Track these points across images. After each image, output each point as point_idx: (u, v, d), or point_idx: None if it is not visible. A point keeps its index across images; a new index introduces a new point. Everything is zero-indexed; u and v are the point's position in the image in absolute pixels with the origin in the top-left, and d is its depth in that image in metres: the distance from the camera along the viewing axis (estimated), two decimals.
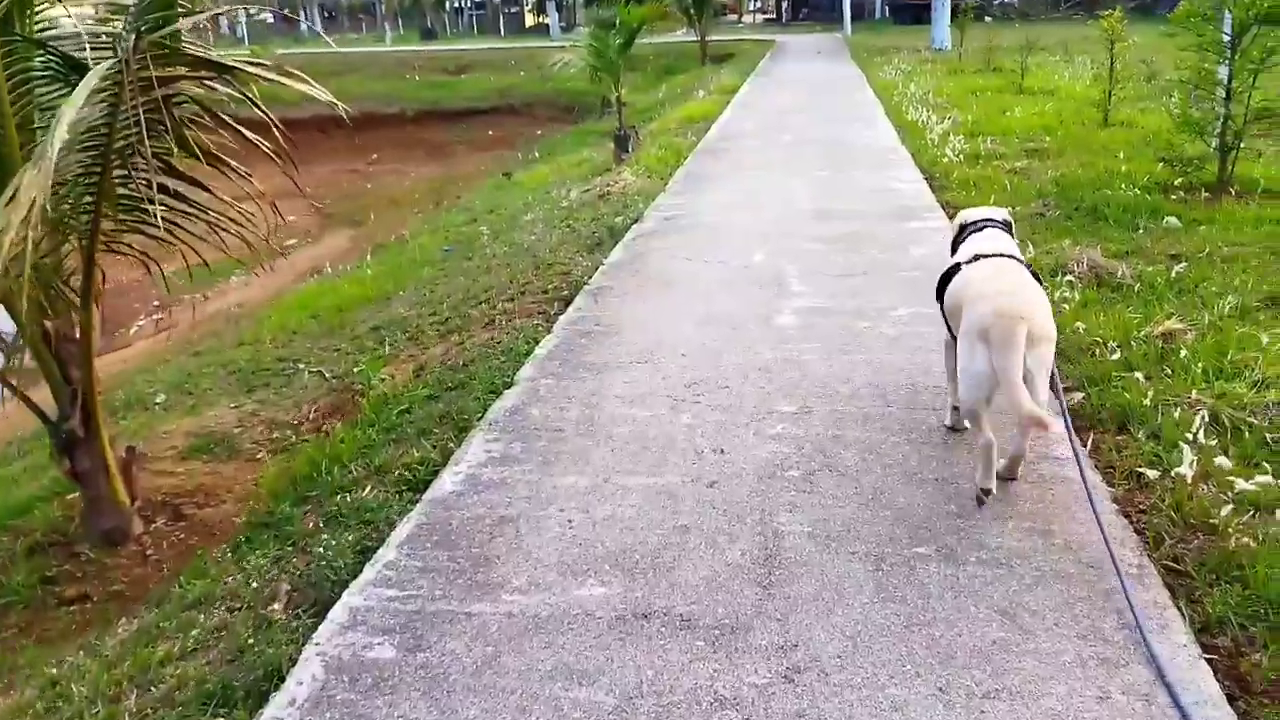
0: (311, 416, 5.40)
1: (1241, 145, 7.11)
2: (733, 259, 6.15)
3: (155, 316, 12.26)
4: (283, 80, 3.98)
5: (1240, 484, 2.95)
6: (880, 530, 2.95)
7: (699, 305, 5.24)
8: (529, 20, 49.42)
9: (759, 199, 7.93)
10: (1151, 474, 3.22)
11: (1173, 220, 6.60)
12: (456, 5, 51.39)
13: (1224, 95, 7.09)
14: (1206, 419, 3.44)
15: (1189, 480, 3.05)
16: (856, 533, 2.94)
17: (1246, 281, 5.04)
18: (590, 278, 5.95)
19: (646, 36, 31.79)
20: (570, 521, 3.06)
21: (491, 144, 27.26)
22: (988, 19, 28.56)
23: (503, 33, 45.24)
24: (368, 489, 3.54)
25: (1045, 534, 2.89)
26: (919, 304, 4.87)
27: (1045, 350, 2.96)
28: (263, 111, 4.13)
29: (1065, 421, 3.20)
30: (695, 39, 29.28)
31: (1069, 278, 5.36)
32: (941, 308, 3.50)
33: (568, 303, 5.52)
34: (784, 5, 53.50)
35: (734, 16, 64.30)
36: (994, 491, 3.06)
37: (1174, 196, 7.21)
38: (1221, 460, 3.07)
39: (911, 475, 3.27)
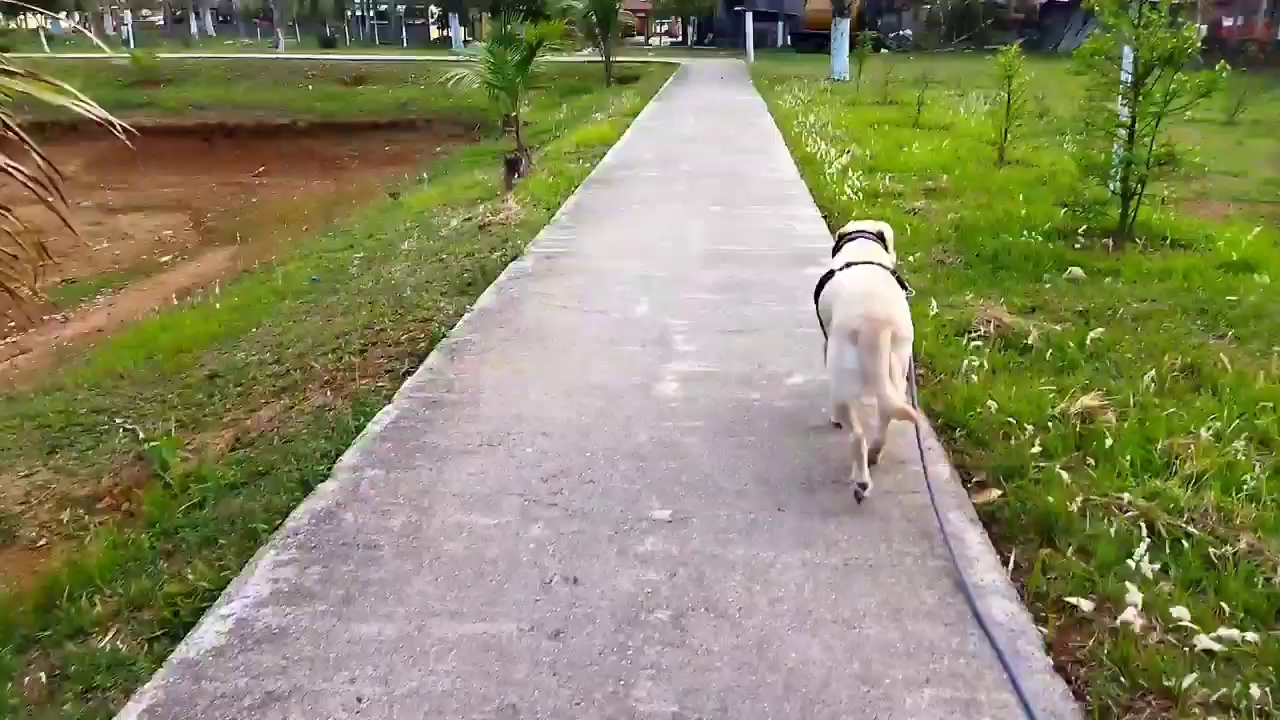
0: (114, 492, 4.48)
1: (1144, 191, 6.81)
2: (615, 308, 5.46)
3: (11, 339, 10.87)
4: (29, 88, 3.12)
5: (1201, 639, 2.38)
6: (766, 706, 2.27)
7: (571, 368, 4.51)
8: (434, 33, 48.13)
9: (649, 237, 7.28)
10: (1086, 605, 2.65)
11: (1077, 271, 6.23)
12: (358, 14, 49.68)
13: (1126, 137, 6.79)
14: (1145, 537, 2.90)
15: (1136, 629, 2.48)
16: (736, 711, 2.25)
17: (1161, 347, 4.62)
18: (452, 328, 5.17)
19: (551, 55, 31.07)
20: (360, 700, 2.28)
21: (388, 160, 26.09)
22: (884, 50, 28.93)
23: (405, 44, 43.86)
24: (112, 633, 2.68)
25: (968, 706, 2.27)
26: (815, 365, 4.27)
27: (905, 350, 3.31)
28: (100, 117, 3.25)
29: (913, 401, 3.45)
30: (601, 59, 28.71)
31: (975, 341, 4.85)
32: (817, 310, 3.87)
33: (421, 359, 4.73)
34: (690, 29, 53.66)
35: (641, 38, 64.29)
36: (870, 485, 3.17)
37: (1076, 244, 6.87)
38: (1178, 611, 2.49)
39: (805, 616, 2.60)
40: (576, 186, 9.51)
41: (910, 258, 6.54)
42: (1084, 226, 7.20)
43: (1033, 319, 5.24)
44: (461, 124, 26.79)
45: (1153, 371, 4.24)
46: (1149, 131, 6.69)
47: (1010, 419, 3.85)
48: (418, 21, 48.61)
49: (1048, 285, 5.99)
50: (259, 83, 31.26)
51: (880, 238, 3.93)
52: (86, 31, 45.10)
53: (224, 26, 50.97)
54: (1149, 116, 6.67)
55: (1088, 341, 4.68)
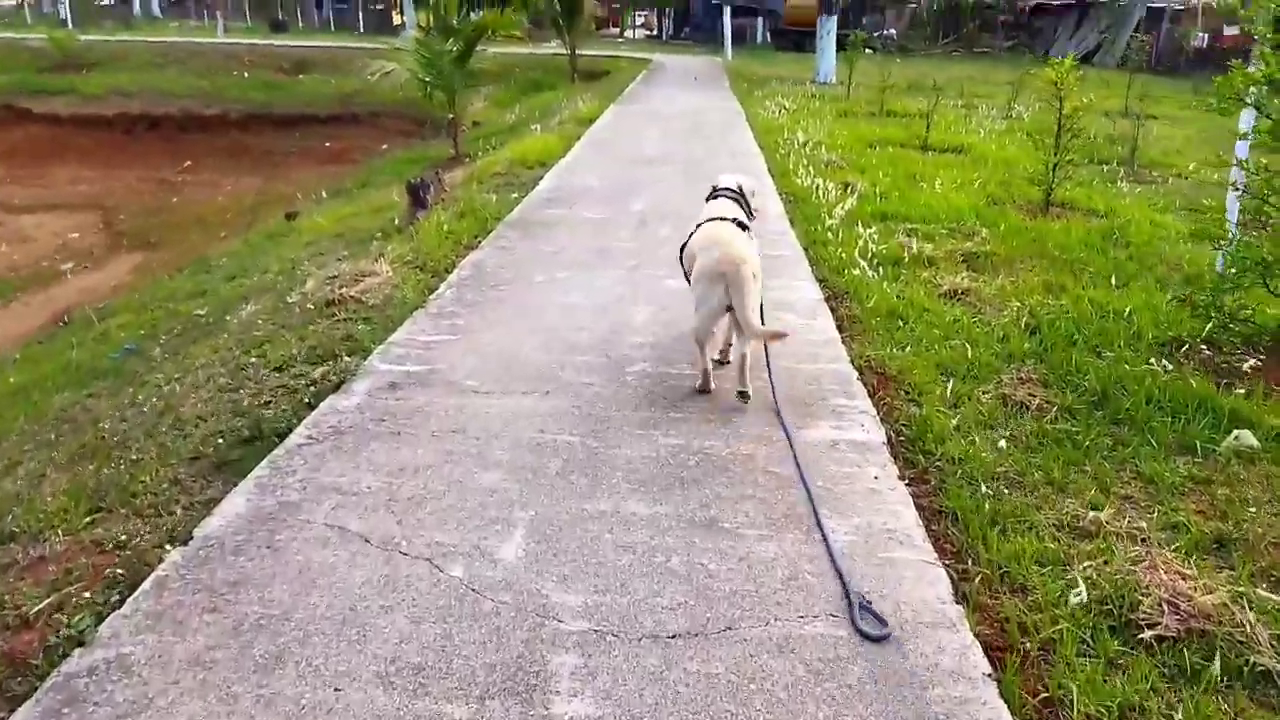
0: None
1: None
2: (462, 545, 2.88)
3: None
4: None
5: None
6: None
7: None
8: (397, 19, 44.90)
9: (562, 342, 4.69)
10: None
11: (1247, 436, 3.75)
12: None
13: None
14: None
15: None
16: None
17: None
18: (145, 581, 2.59)
19: (513, 47, 28.45)
20: None
21: (328, 157, 23.32)
22: (869, 51, 26.46)
23: (363, 29, 40.71)
24: None
25: None
26: None
27: (759, 285, 3.93)
28: None
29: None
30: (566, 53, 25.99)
31: (1157, 661, 2.35)
32: (682, 262, 4.38)
33: (101, 618, 2.17)
34: (666, 22, 50.91)
35: (615, 30, 61.69)
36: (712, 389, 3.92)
37: (1216, 365, 4.41)
38: None
39: None
40: (487, 233, 6.88)
41: (972, 397, 4.03)
42: (1219, 333, 4.75)
43: (1236, 578, 2.77)
44: (411, 119, 23.97)
45: None
46: None
47: None
48: (378, 5, 45.37)
49: (1208, 464, 3.53)
50: (189, 69, 28.22)
51: (740, 192, 4.67)
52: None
53: (175, 9, 47.37)
54: None
55: None
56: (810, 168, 9.32)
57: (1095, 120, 7.88)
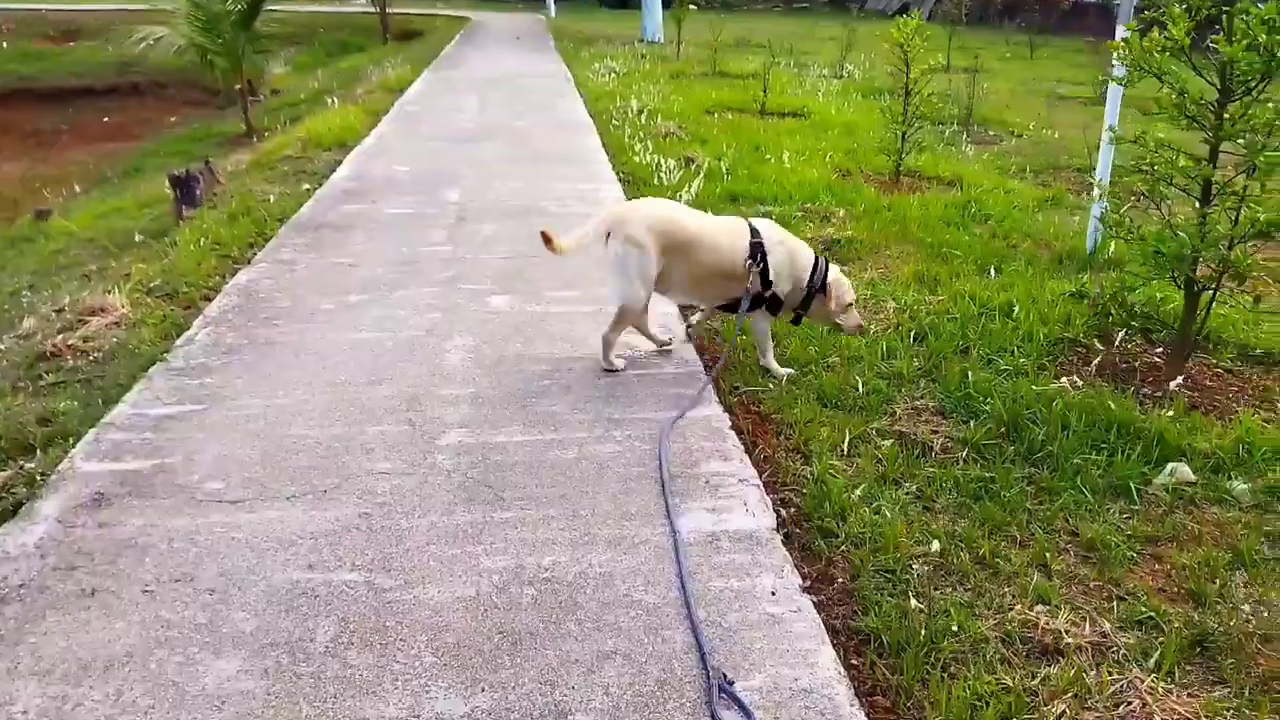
0: None
1: (1221, 279, 3.79)
2: None
3: None
4: None
5: None
6: None
7: None
8: None
9: (352, 418, 3.58)
10: None
11: (1184, 471, 3.16)
12: None
13: (1200, 193, 3.74)
14: None
15: None
16: None
17: None
18: None
19: (318, 3, 25.75)
20: None
21: (107, 134, 20.41)
22: (692, 7, 25.71)
23: None
24: None
25: None
26: None
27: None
28: None
29: None
30: (376, 10, 23.84)
31: None
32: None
33: None
34: None
35: None
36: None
37: (1115, 364, 3.85)
38: None
39: None
40: (265, 241, 5.56)
41: (865, 439, 3.24)
42: (1113, 326, 4.22)
43: (1237, 705, 2.11)
44: (203, 88, 21.29)
45: None
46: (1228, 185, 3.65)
47: None
48: None
49: (1147, 511, 2.93)
50: None
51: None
52: None
53: None
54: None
55: None
56: (648, 141, 8.40)
57: (930, 79, 7.30)
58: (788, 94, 11.72)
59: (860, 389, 3.70)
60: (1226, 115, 3.62)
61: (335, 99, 11.57)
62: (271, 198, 6.55)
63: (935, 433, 3.43)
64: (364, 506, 2.85)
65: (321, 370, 3.81)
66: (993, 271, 5.04)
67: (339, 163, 7.83)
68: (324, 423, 3.37)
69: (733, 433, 3.39)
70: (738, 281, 3.72)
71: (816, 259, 3.87)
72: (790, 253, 3.81)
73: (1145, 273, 3.85)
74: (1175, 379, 3.64)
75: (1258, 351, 4.14)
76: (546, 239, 3.64)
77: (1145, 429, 3.37)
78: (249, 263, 5.17)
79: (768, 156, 7.95)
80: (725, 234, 3.77)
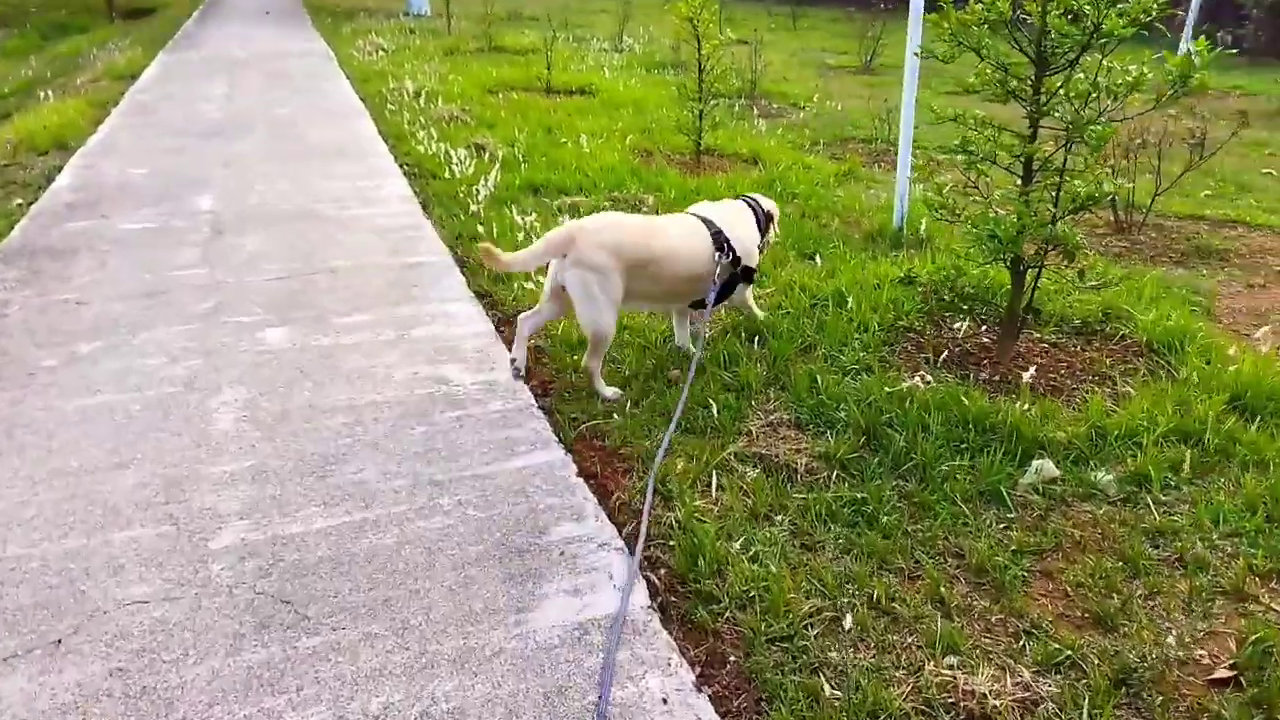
0: None
1: (1045, 258, 3.73)
2: None
3: None
4: None
5: None
6: None
7: None
8: None
9: (90, 525, 2.76)
10: None
11: (1048, 468, 3.03)
12: None
13: (1022, 169, 3.65)
14: None
15: None
16: None
17: None
18: None
19: None
20: None
21: None
22: None
23: None
24: None
25: None
26: None
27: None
28: None
29: None
30: None
31: None
32: None
33: None
34: None
35: None
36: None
37: (952, 356, 3.74)
38: None
39: None
40: None
41: (726, 469, 2.87)
42: (945, 311, 4.13)
43: None
44: None
45: None
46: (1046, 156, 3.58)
47: None
48: None
49: (1023, 518, 2.76)
50: None
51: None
52: None
53: None
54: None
55: None
56: (430, 128, 7.63)
57: (722, 55, 7.08)
58: (571, 70, 11.22)
59: (713, 409, 3.32)
60: (1044, 90, 3.53)
61: (52, 91, 9.82)
62: None
63: (797, 451, 3.12)
64: (115, 658, 2.12)
65: (45, 455, 2.94)
66: (817, 259, 4.83)
67: (59, 168, 6.51)
68: (52, 533, 2.56)
69: (581, 481, 2.91)
70: (707, 277, 3.55)
71: (752, 209, 3.87)
72: (745, 224, 3.76)
73: (977, 256, 3.72)
74: (1026, 370, 3.53)
75: (1076, 322, 4.18)
76: (488, 254, 3.36)
77: (1000, 423, 3.23)
78: None
79: (562, 140, 7.44)
80: (684, 238, 3.54)
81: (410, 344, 3.83)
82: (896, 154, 7.62)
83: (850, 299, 4.26)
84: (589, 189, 6.05)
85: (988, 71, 3.57)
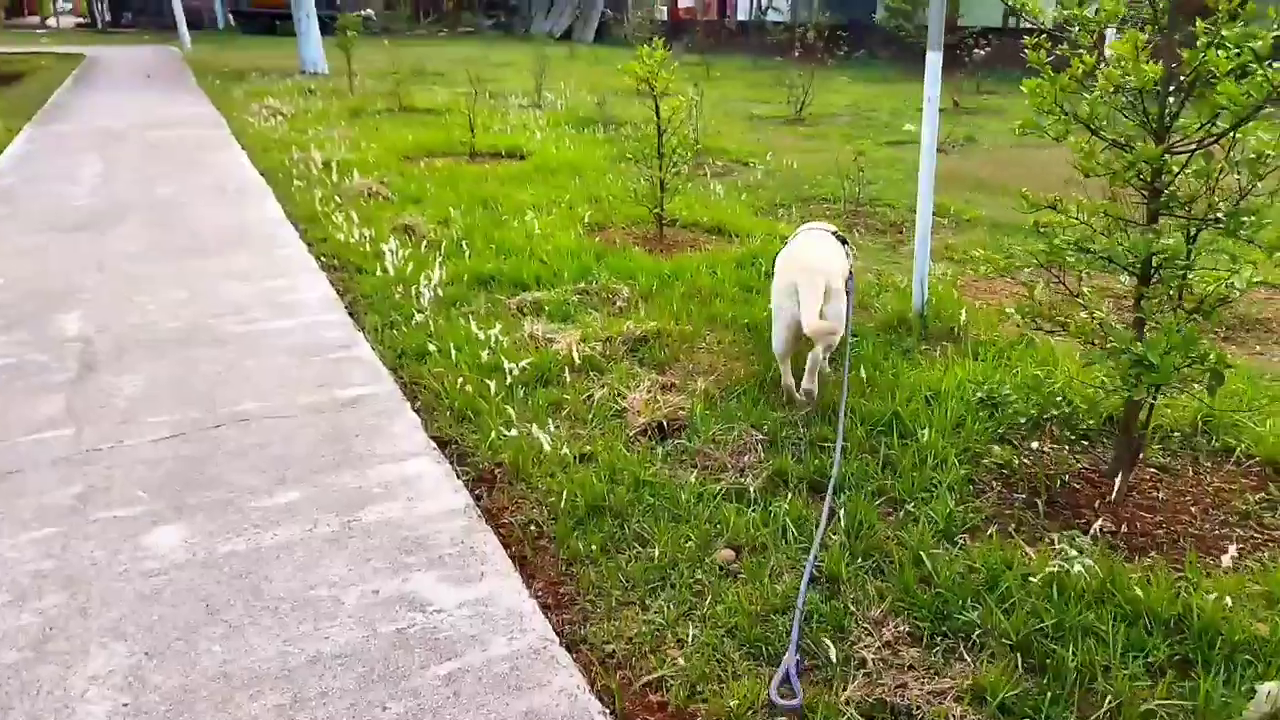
0: None
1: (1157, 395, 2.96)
2: None
3: None
4: None
5: None
6: None
7: None
8: None
9: None
10: None
11: (1277, 692, 2.20)
12: None
13: (1139, 268, 2.88)
14: None
15: None
16: None
17: None
18: None
19: None
20: None
21: None
22: (350, 34, 23.49)
23: None
24: None
25: None
26: None
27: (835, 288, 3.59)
28: None
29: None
30: None
31: None
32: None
33: None
34: (100, 7, 41.73)
35: (34, 18, 50.42)
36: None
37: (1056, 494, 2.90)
38: None
39: None
40: None
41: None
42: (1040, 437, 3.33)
43: None
44: None
45: None
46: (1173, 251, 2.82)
47: None
48: None
49: None
50: None
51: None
52: None
53: None
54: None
55: None
56: (347, 206, 6.54)
57: (683, 119, 6.27)
58: (494, 131, 10.26)
59: (810, 623, 2.37)
60: (1165, 170, 2.77)
61: None
62: None
63: (937, 694, 2.19)
64: None
65: None
66: (862, 372, 3.94)
67: None
68: None
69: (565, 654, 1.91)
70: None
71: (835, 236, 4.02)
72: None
73: (1102, 379, 2.91)
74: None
75: (1175, 434, 3.42)
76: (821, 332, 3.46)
77: (1182, 615, 2.38)
78: None
79: (504, 216, 6.46)
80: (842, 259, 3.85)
81: (362, 538, 2.77)
82: (880, 217, 7.00)
83: (909, 422, 3.40)
84: (549, 280, 5.07)
85: (1097, 150, 2.78)
